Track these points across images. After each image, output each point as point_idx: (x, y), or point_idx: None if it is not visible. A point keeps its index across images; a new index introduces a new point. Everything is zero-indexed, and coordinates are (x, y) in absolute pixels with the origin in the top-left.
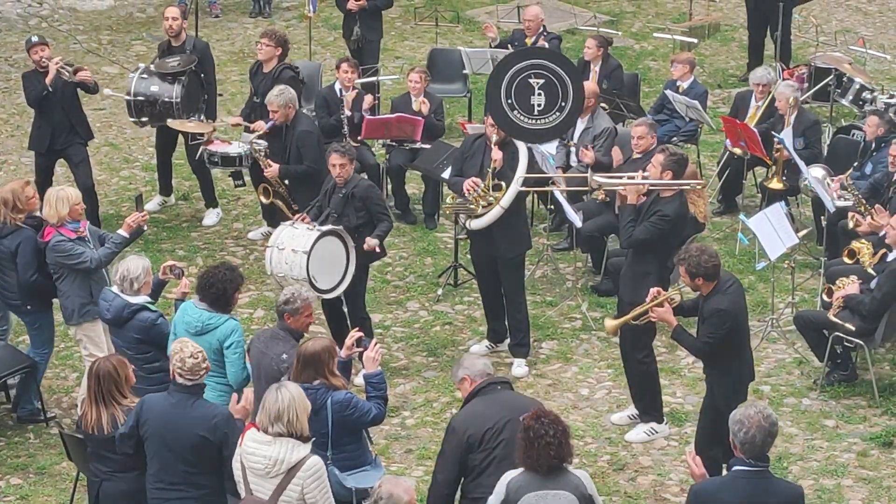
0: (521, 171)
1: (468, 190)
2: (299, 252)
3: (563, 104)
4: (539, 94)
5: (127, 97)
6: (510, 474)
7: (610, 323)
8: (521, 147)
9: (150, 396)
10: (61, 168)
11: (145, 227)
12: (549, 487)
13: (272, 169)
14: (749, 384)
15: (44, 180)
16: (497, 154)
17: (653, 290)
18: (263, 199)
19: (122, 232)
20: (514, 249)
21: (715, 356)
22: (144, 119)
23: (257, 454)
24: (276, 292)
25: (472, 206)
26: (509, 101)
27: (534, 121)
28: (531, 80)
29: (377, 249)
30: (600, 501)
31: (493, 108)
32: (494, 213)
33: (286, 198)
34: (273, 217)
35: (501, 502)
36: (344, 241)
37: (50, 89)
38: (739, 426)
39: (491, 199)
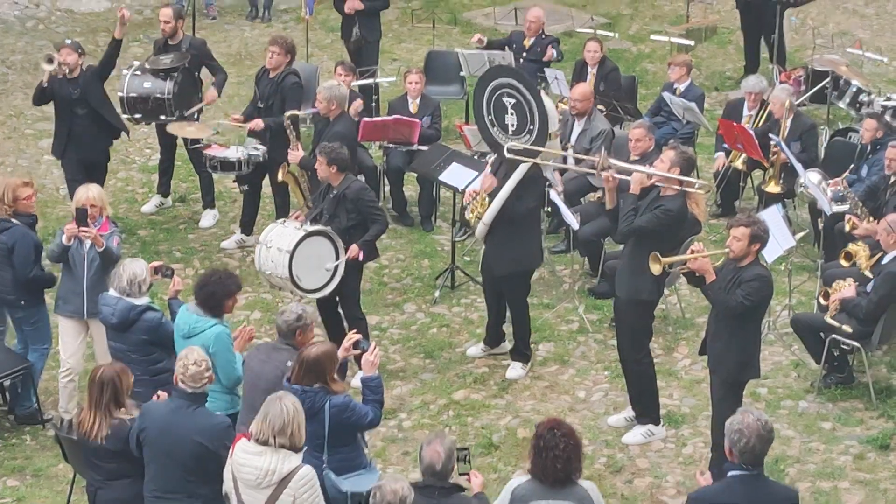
0: (506, 189)
1: (467, 199)
2: (283, 251)
3: (531, 128)
4: (512, 114)
5: (120, 94)
6: (516, 481)
7: (655, 266)
8: (522, 167)
9: (151, 402)
10: (58, 170)
11: (102, 246)
12: (553, 498)
13: (296, 154)
14: (757, 369)
15: (75, 178)
16: (487, 181)
17: (694, 245)
18: (279, 176)
19: (63, 239)
20: (506, 267)
21: (744, 321)
22: (138, 116)
23: (249, 465)
24: (271, 292)
25: (468, 216)
26: (489, 116)
27: (509, 139)
28: (504, 99)
29: (359, 258)
30: None
31: (478, 121)
32: (480, 229)
33: (302, 185)
34: (249, 225)
35: None
36: (333, 242)
37: (45, 84)
38: (739, 435)
39: (481, 212)
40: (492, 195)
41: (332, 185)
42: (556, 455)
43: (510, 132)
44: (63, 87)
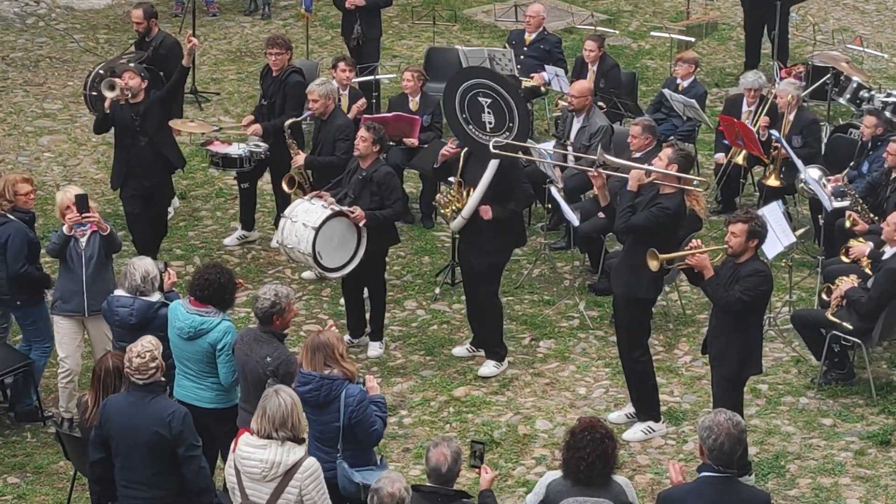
0: (484, 181)
1: (438, 202)
2: (309, 227)
3: (510, 125)
4: (489, 113)
5: (84, 91)
6: (551, 475)
7: (653, 262)
8: (493, 161)
9: (112, 396)
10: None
11: (106, 230)
12: (589, 494)
13: (298, 157)
14: (759, 364)
15: (133, 211)
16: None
17: (694, 241)
18: (287, 189)
19: (64, 229)
20: (483, 259)
21: (744, 316)
22: (98, 114)
23: (253, 458)
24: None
25: (443, 211)
26: (464, 115)
27: (489, 137)
28: (480, 99)
29: (361, 223)
30: None
31: (451, 121)
32: (458, 222)
33: (306, 189)
34: (249, 221)
35: (540, 502)
36: (356, 225)
37: (107, 111)
38: (708, 433)
39: (458, 206)
40: (468, 182)
41: (360, 166)
42: (580, 457)
43: (488, 129)
44: (125, 113)
